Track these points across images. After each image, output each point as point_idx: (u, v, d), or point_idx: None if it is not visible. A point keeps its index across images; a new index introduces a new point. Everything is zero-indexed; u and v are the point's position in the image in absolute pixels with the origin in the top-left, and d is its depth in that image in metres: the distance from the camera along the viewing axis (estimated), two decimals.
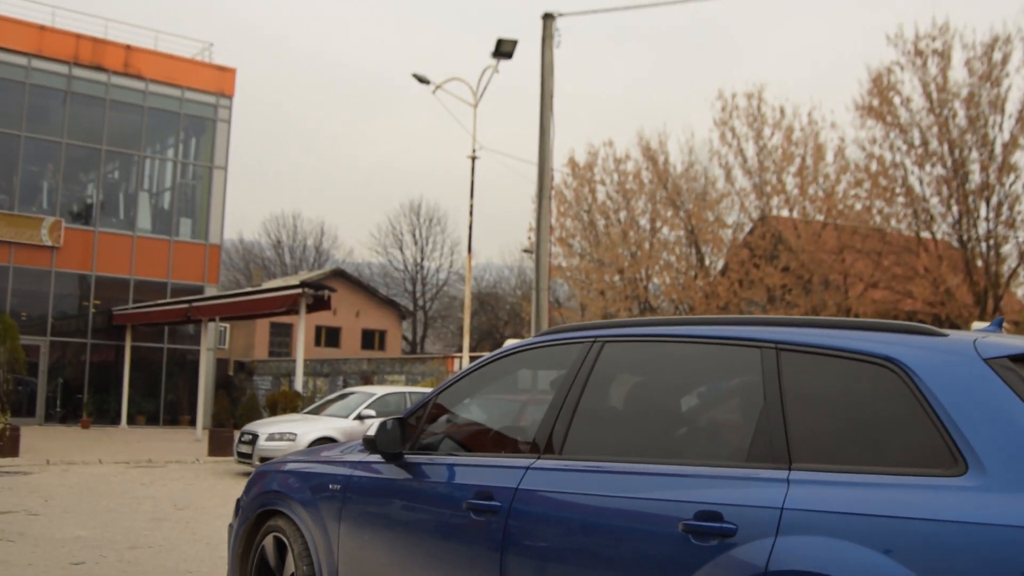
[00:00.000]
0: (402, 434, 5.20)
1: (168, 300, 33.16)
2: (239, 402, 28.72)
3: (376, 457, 5.35)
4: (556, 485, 4.36)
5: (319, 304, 24.65)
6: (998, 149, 28.40)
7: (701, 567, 3.68)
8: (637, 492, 4.03)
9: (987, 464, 3.24)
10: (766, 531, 3.55)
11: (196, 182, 37.93)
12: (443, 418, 5.39)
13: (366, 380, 33.76)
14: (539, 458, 4.55)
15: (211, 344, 34.77)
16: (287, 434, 17.89)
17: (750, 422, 3.95)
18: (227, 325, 40.85)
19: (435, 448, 5.20)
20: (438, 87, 24.96)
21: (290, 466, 6.05)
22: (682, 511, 3.81)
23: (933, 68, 28.89)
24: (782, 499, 3.58)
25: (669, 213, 35.70)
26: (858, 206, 31.09)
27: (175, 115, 36.69)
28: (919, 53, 29.03)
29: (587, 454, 4.43)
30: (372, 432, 5.25)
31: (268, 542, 5.94)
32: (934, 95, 28.97)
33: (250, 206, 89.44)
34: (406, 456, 5.20)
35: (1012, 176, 28.49)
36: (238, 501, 6.41)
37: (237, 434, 19.82)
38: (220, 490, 15.97)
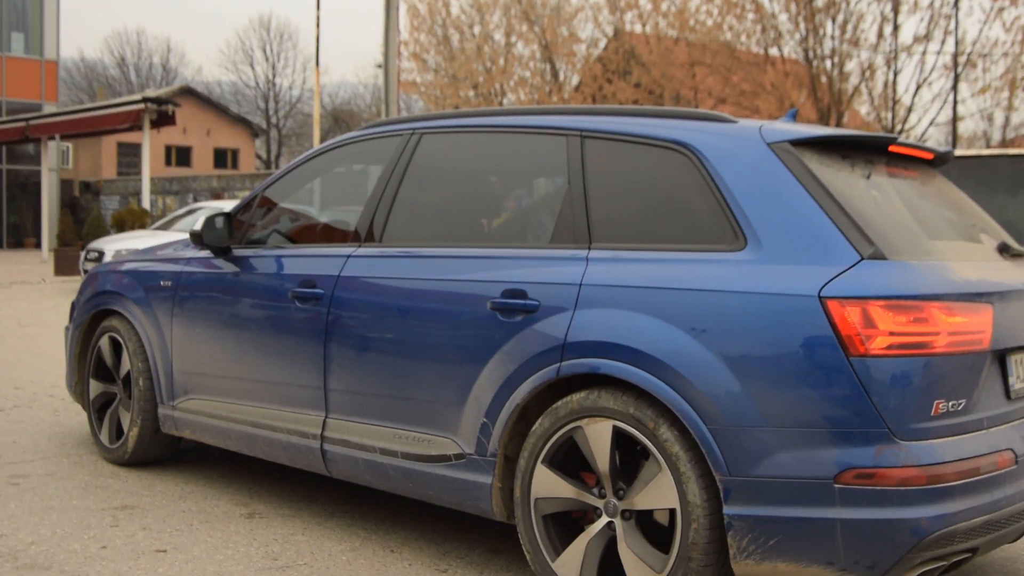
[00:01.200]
0: (229, 229, 5.25)
1: (3, 119, 31.70)
2: (86, 222, 28.02)
3: (206, 253, 5.40)
4: (374, 271, 4.53)
5: (164, 119, 23.95)
6: None
7: (507, 342, 3.93)
8: (449, 274, 4.23)
9: (763, 239, 3.52)
10: (565, 306, 3.80)
11: None
12: (271, 213, 5.46)
13: (216, 196, 33.15)
14: (360, 247, 4.69)
15: (53, 164, 33.62)
16: (134, 250, 17.60)
17: (555, 206, 4.15)
18: (70, 144, 39.43)
19: (263, 242, 5.27)
20: None
21: (124, 266, 6.06)
22: (490, 290, 4.03)
23: None
24: (580, 276, 3.82)
25: (524, 28, 35.37)
26: (709, 22, 31.30)
27: None
28: None
29: (405, 241, 4.59)
30: (199, 227, 5.29)
31: (104, 342, 6.00)
32: None
33: (90, 21, 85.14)
34: (234, 250, 5.26)
35: None
36: (73, 304, 6.41)
37: (83, 252, 19.43)
38: (66, 307, 15.77)
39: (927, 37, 28.46)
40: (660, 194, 3.93)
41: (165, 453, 5.88)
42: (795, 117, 4.46)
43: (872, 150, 3.97)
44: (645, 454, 3.61)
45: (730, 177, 3.66)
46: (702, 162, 3.74)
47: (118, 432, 5.88)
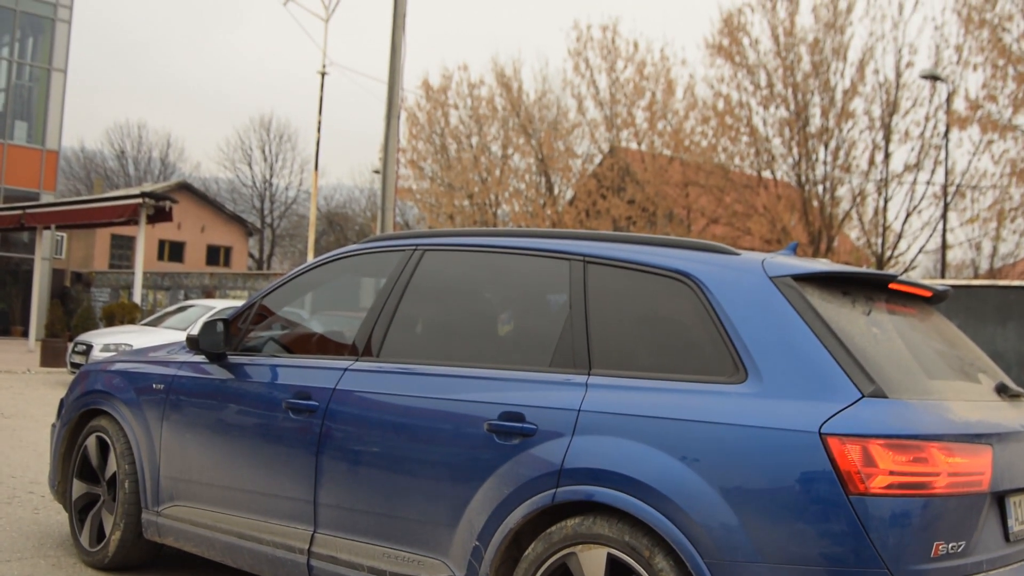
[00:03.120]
0: (226, 335, 5.24)
1: (1, 206, 31.81)
2: (75, 313, 27.97)
3: (201, 358, 5.38)
4: (371, 386, 4.51)
5: (160, 215, 24.10)
6: (838, 95, 29.40)
7: (503, 465, 3.89)
8: (447, 393, 4.22)
9: (764, 373, 3.52)
10: (563, 431, 3.78)
11: (33, 84, 36.31)
12: (268, 321, 5.46)
13: (208, 294, 33.25)
14: (357, 360, 4.68)
15: (47, 253, 33.64)
16: (123, 345, 17.54)
17: (556, 329, 4.15)
18: (64, 234, 39.57)
19: (259, 350, 5.27)
20: None
21: (115, 366, 6.03)
22: (488, 412, 4.01)
23: (782, 12, 29.67)
24: (579, 402, 3.80)
25: (521, 140, 35.91)
26: (704, 143, 31.82)
27: (10, 11, 34.84)
28: None
29: (403, 357, 4.58)
30: (196, 332, 5.28)
31: (91, 442, 5.93)
32: (781, 38, 29.74)
33: (92, 114, 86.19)
34: (229, 357, 5.25)
35: (850, 122, 29.58)
36: (62, 401, 6.36)
37: (71, 344, 19.36)
38: (51, 400, 15.64)
39: (917, 166, 28.94)
40: (661, 323, 3.94)
41: (146, 558, 5.77)
42: (796, 250, 4.51)
43: (872, 286, 4.00)
44: None
45: (732, 309, 3.68)
46: (704, 293, 3.77)
47: (99, 535, 5.78)
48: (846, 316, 3.70)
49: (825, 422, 3.30)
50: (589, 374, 3.90)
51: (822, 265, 3.93)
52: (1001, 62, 26.24)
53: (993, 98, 26.56)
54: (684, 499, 3.44)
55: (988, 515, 3.49)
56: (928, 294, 4.25)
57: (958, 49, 27.65)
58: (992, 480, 3.47)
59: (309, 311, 7.44)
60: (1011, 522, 3.63)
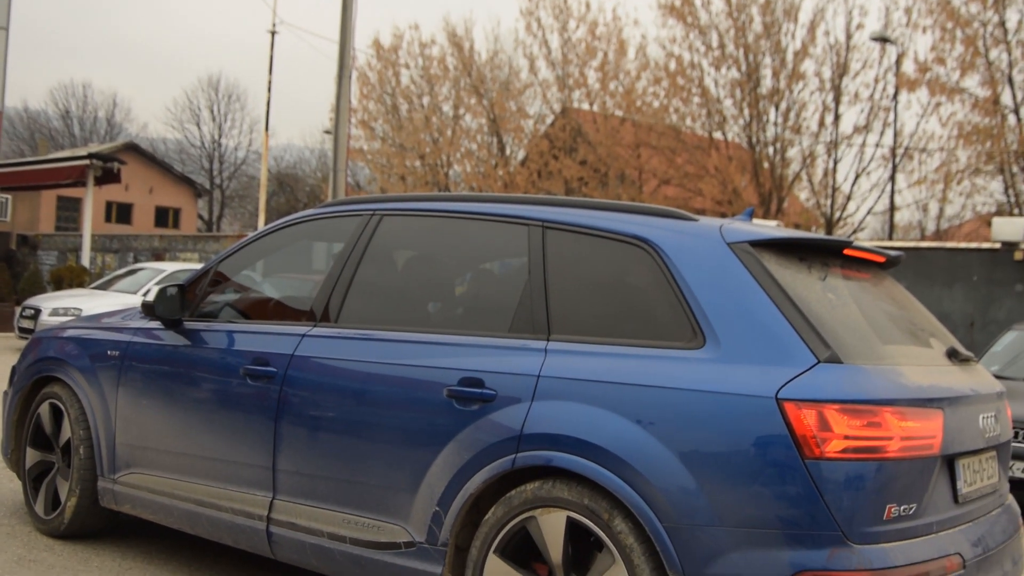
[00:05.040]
0: (182, 301, 5.20)
1: None
2: (22, 277, 27.56)
3: (156, 324, 5.33)
4: (330, 352, 4.50)
5: (108, 176, 23.76)
6: (789, 57, 29.55)
7: (463, 430, 3.91)
8: (406, 359, 4.22)
9: (721, 338, 3.56)
10: (523, 397, 3.80)
11: None
12: (224, 286, 5.41)
13: (157, 257, 32.86)
14: (315, 326, 4.66)
15: None
16: (72, 309, 17.34)
17: (515, 295, 4.16)
18: (9, 196, 38.75)
19: (215, 316, 5.22)
20: None
21: (69, 332, 5.97)
22: (447, 378, 4.02)
23: None
24: (539, 367, 3.82)
25: (472, 101, 35.75)
26: (656, 104, 31.86)
27: None
28: None
29: (362, 323, 4.57)
30: (152, 298, 5.24)
31: (44, 408, 5.87)
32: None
33: (36, 72, 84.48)
34: (186, 323, 5.21)
35: (801, 84, 29.76)
36: (13, 368, 6.29)
37: (18, 309, 19.09)
38: None
39: (867, 128, 29.23)
40: (620, 288, 3.96)
41: (103, 525, 5.73)
42: (752, 216, 4.53)
43: (827, 252, 4.05)
44: (599, 545, 3.61)
45: (690, 275, 3.71)
46: (662, 259, 3.79)
47: (54, 503, 5.73)
48: (802, 282, 3.74)
49: (782, 387, 3.35)
50: (548, 340, 3.92)
51: (778, 231, 3.97)
52: (949, 25, 26.47)
53: (941, 61, 26.82)
54: (642, 463, 3.48)
55: (939, 478, 3.57)
56: (881, 260, 4.31)
57: (907, 12, 27.94)
58: (943, 443, 3.55)
59: (260, 274, 7.40)
60: (960, 484, 3.72)
